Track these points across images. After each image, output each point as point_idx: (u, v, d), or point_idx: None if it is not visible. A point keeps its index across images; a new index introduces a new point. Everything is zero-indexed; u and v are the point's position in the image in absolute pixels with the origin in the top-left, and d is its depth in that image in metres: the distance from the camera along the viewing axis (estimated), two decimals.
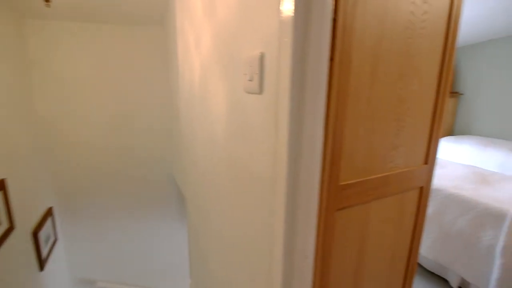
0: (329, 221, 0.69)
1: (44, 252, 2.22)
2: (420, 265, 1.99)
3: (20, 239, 1.92)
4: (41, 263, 2.16)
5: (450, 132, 4.04)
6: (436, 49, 0.82)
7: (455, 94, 3.90)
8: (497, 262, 1.48)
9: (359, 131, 0.70)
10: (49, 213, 2.40)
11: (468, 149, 3.05)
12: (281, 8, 0.57)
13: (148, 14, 2.37)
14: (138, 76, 2.67)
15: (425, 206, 0.95)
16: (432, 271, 1.91)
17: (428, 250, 1.83)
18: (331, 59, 0.59)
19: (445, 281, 1.84)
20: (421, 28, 0.75)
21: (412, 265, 1.00)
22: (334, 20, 0.57)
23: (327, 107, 0.61)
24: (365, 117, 0.70)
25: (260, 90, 0.69)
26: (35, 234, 2.07)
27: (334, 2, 0.56)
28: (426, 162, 0.90)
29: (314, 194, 0.64)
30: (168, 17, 2.21)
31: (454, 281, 1.76)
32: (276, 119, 0.63)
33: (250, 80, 0.71)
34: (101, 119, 2.63)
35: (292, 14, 0.53)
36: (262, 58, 0.67)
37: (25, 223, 1.99)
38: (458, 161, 3.04)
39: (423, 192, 0.92)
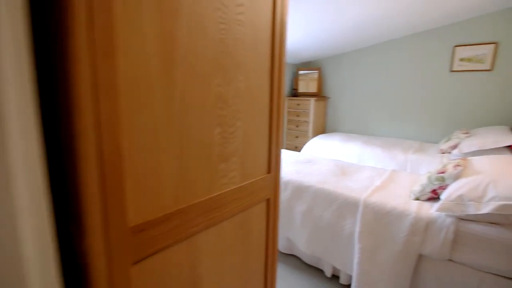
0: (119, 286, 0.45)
1: None
2: (300, 260, 2.06)
3: None
4: None
5: (323, 131, 4.67)
6: (264, 42, 0.72)
7: (324, 98, 4.53)
8: (356, 247, 1.64)
9: (156, 144, 0.49)
10: None
11: (334, 144, 3.52)
12: None
13: None
14: None
15: (276, 218, 0.86)
16: (311, 264, 2.01)
17: (306, 245, 1.90)
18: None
19: (321, 271, 1.95)
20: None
21: (271, 284, 0.90)
22: None
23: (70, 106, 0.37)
24: (164, 124, 0.50)
25: None
26: None
27: None
28: (269, 171, 0.80)
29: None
30: None
31: (328, 271, 1.89)
32: None
33: None
34: None
35: None
36: None
37: None
38: (327, 156, 3.46)
39: (271, 204, 0.82)
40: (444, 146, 2.87)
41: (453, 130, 3.39)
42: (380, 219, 1.60)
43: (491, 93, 3.15)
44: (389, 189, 1.87)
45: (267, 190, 0.79)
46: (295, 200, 1.99)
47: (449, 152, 2.81)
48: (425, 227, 1.44)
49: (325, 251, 1.81)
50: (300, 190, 1.99)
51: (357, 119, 4.32)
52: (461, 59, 3.28)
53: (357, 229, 1.65)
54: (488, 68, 3.12)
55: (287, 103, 4.49)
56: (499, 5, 2.90)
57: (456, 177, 1.50)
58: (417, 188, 1.69)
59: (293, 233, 2.01)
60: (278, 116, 0.81)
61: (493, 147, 2.42)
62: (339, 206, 1.77)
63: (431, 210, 1.50)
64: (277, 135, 0.81)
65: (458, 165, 1.56)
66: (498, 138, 2.44)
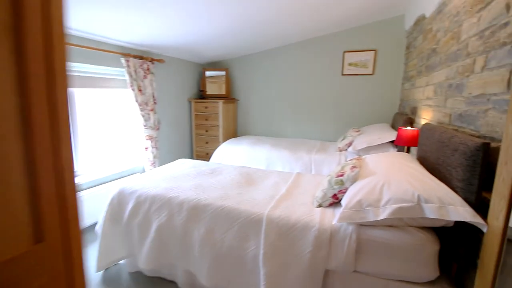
0: None
1: None
2: None
3: None
4: None
5: (234, 134, 4.47)
6: None
7: (233, 100, 4.33)
8: (261, 272, 1.39)
9: None
10: None
11: (243, 149, 3.33)
12: None
13: None
14: None
15: None
16: None
17: (207, 278, 1.56)
18: None
19: None
20: None
21: None
22: None
23: None
24: None
25: None
26: None
27: None
28: (40, 238, 0.40)
29: None
30: None
31: None
32: None
33: None
34: None
35: None
36: None
37: None
38: (237, 162, 3.24)
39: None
40: (341, 144, 3.03)
41: (348, 129, 3.69)
42: (284, 235, 1.40)
43: (374, 94, 3.56)
44: (293, 196, 1.72)
45: (38, 279, 0.39)
46: (192, 223, 1.62)
47: (346, 150, 2.99)
48: (329, 239, 1.31)
49: (229, 281, 1.51)
50: (198, 210, 1.63)
51: (266, 121, 4.29)
52: (350, 64, 3.60)
53: (261, 251, 1.41)
54: (370, 73, 3.51)
55: (193, 106, 4.08)
56: (373, 18, 3.29)
57: (354, 179, 1.44)
58: (319, 194, 1.58)
59: (192, 264, 1.63)
60: (54, 124, 0.42)
61: (379, 143, 2.65)
62: (241, 226, 1.50)
63: (333, 218, 1.39)
64: (57, 159, 0.42)
65: (354, 167, 1.51)
66: (382, 134, 2.69)
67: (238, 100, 4.40)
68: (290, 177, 2.14)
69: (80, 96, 2.66)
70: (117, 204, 1.89)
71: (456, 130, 1.46)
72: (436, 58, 1.99)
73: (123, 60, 2.82)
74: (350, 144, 2.94)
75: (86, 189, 2.59)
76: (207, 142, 4.10)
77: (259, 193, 1.80)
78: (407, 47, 3.16)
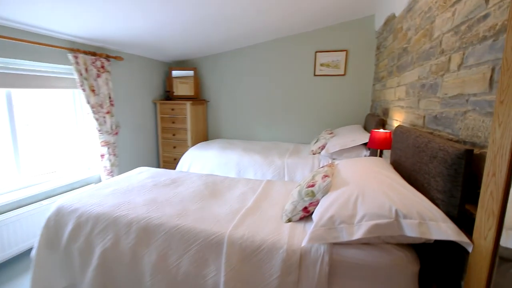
0: None
1: None
2: None
3: None
4: None
5: (205, 138, 4.21)
6: None
7: (203, 101, 4.07)
8: None
9: None
10: None
11: (213, 154, 3.09)
12: None
13: None
14: None
15: None
16: None
17: None
18: None
19: None
20: None
21: None
22: None
23: None
24: None
25: None
26: None
27: None
28: None
29: None
30: None
31: None
32: None
33: None
34: None
35: None
36: None
37: None
38: (205, 169, 3.00)
39: None
40: (314, 147, 2.91)
41: (321, 130, 3.59)
42: (248, 259, 1.20)
43: (346, 95, 3.50)
44: (261, 210, 1.53)
45: None
46: (142, 247, 1.38)
47: (319, 153, 2.87)
48: (299, 262, 1.13)
49: None
50: (148, 231, 1.39)
51: (238, 124, 4.08)
52: (322, 64, 3.51)
53: (222, 278, 1.20)
54: (342, 73, 3.44)
55: (159, 108, 3.77)
56: (344, 18, 3.22)
57: (325, 190, 1.28)
58: (288, 207, 1.41)
59: None
60: None
61: (352, 145, 2.55)
62: (199, 249, 1.28)
63: (304, 234, 1.22)
64: None
65: (326, 175, 1.35)
66: (355, 137, 2.60)
67: (208, 101, 4.15)
68: (259, 185, 1.95)
69: (20, 98, 2.29)
70: (54, 226, 1.58)
71: (431, 133, 1.36)
72: (407, 58, 1.91)
73: (70, 57, 2.47)
74: (323, 147, 2.83)
75: (26, 205, 2.21)
76: (174, 147, 3.80)
77: (223, 207, 1.59)
78: (378, 48, 3.13)
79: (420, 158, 1.23)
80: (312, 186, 1.33)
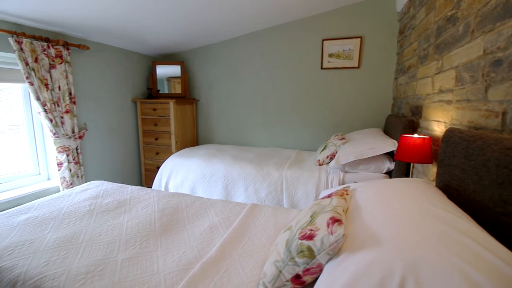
0: None
1: None
2: None
3: None
4: None
5: (194, 143, 3.64)
6: None
7: (191, 100, 3.52)
8: None
9: None
10: None
11: (195, 163, 2.51)
12: None
13: None
14: None
15: None
16: None
17: None
18: None
19: None
20: None
21: None
22: None
23: None
24: None
25: None
26: None
27: None
28: None
29: None
30: None
31: None
32: None
33: None
34: None
35: None
36: None
37: None
38: (184, 183, 2.43)
39: None
40: (321, 156, 2.30)
41: (330, 135, 2.98)
42: None
43: (361, 92, 2.87)
44: (228, 265, 0.94)
45: None
46: None
47: (327, 164, 2.26)
48: None
49: None
50: None
51: (233, 126, 3.50)
52: (330, 55, 2.90)
53: None
54: (356, 65, 2.82)
55: (139, 108, 3.24)
56: None
57: (335, 250, 0.68)
58: (269, 269, 0.81)
59: None
60: None
61: (371, 155, 1.93)
62: None
63: None
64: None
65: (336, 219, 0.75)
66: (374, 143, 1.97)
67: (198, 100, 3.60)
68: (239, 213, 1.36)
69: None
70: None
71: None
72: (456, 28, 1.29)
73: (12, 41, 1.96)
74: (333, 156, 2.22)
75: None
76: (157, 153, 3.26)
77: (170, 255, 1.01)
78: (401, 32, 2.50)
79: None
80: (310, 237, 0.73)
